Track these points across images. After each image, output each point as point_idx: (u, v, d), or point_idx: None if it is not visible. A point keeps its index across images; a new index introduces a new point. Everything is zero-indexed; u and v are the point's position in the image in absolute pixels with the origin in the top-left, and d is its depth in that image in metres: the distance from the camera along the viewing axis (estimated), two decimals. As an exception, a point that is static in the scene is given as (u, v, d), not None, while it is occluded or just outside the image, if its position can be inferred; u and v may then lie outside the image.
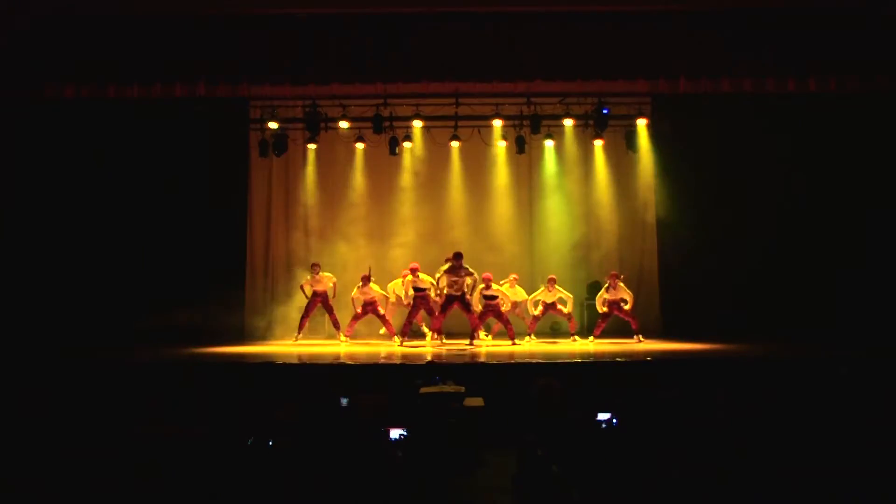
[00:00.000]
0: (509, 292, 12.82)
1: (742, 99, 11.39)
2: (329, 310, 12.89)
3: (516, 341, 12.26)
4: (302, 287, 12.94)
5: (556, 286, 12.80)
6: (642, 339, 12.38)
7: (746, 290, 13.51)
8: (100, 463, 3.92)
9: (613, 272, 12.82)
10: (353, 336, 12.95)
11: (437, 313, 12.21)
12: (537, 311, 12.85)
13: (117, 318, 12.43)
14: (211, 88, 10.53)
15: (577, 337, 12.80)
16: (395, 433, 5.12)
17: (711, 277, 14.08)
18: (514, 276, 13.09)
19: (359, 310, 12.75)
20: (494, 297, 12.36)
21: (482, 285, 12.25)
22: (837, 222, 12.52)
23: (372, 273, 12.74)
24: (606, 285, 12.69)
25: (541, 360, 9.94)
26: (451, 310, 12.22)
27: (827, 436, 3.93)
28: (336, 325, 12.80)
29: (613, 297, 12.59)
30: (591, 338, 12.72)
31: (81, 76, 10.49)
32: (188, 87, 10.46)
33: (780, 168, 13.01)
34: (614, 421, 4.81)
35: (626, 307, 12.57)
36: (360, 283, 12.60)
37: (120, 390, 7.49)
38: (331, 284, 12.79)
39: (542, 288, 12.84)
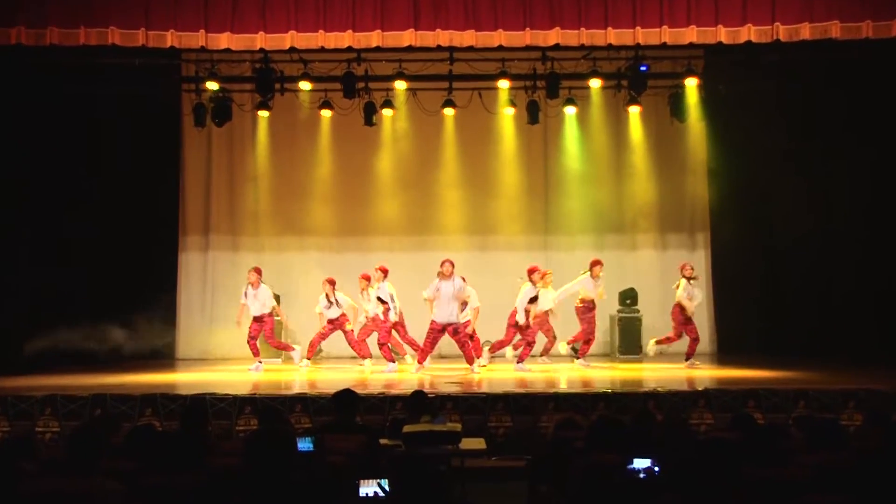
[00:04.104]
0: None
1: (826, 51, 11.27)
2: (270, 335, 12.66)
3: (526, 364, 12.10)
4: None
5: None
6: (697, 364, 12.31)
7: (824, 299, 13.42)
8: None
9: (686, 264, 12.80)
10: (315, 359, 12.93)
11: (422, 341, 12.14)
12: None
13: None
14: (127, 35, 10.35)
15: (583, 361, 12.61)
16: (368, 487, 4.95)
17: (778, 282, 14.04)
18: (547, 270, 12.74)
19: (323, 326, 12.66)
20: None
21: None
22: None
23: (335, 284, 12.62)
24: (682, 282, 12.50)
25: (558, 391, 9.84)
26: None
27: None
28: (284, 347, 12.78)
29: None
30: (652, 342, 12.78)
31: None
32: (96, 31, 10.26)
33: (870, 141, 12.88)
34: (656, 469, 4.68)
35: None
36: (324, 291, 12.49)
37: None
38: (272, 305, 12.53)
39: (584, 274, 12.56)
